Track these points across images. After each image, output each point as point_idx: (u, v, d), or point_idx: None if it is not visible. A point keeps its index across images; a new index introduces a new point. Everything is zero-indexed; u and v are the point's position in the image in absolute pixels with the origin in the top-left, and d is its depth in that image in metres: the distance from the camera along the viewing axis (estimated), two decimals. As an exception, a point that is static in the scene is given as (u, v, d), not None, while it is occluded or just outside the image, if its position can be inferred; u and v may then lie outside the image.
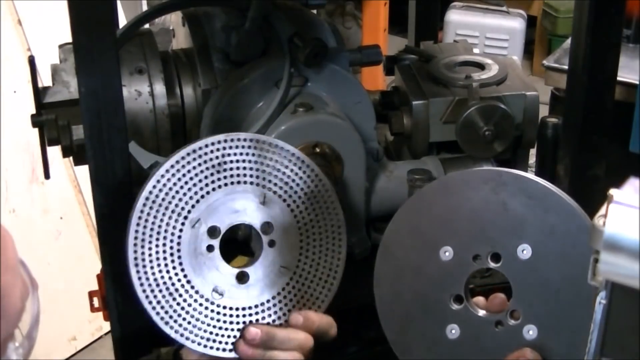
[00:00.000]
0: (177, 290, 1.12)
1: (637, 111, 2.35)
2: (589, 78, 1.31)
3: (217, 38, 1.42)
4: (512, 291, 1.06)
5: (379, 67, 1.65)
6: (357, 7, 4.36)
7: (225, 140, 1.12)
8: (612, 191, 0.76)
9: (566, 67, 1.54)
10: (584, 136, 1.35)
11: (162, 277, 1.11)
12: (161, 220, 1.10)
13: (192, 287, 1.12)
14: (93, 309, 1.46)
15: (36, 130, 1.35)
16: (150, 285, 1.11)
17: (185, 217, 1.11)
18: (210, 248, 1.12)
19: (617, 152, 2.11)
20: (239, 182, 1.12)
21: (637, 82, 2.37)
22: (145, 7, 3.42)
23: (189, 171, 1.11)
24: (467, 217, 1.06)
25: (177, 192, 1.11)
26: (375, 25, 3.94)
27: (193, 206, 1.11)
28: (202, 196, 1.11)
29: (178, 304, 1.12)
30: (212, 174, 1.11)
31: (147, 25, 1.49)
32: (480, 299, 1.09)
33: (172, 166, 1.11)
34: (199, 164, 1.11)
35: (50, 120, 1.32)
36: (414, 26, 1.87)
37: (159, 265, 1.11)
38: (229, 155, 1.12)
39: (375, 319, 1.21)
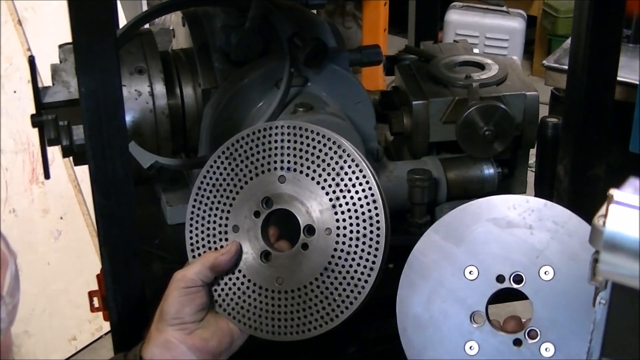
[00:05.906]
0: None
1: (637, 111, 2.35)
2: (589, 78, 1.30)
3: (217, 38, 1.42)
4: (533, 311, 1.07)
5: (379, 67, 1.65)
6: (357, 7, 4.36)
7: (340, 146, 1.10)
8: (612, 191, 0.76)
9: (566, 67, 1.54)
10: (584, 136, 1.35)
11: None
12: (229, 173, 1.13)
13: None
14: (93, 309, 1.46)
15: (36, 130, 1.35)
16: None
17: (252, 178, 1.12)
18: (257, 214, 1.13)
19: (617, 152, 2.11)
20: (318, 183, 1.10)
21: (637, 82, 2.37)
22: (145, 7, 3.42)
23: (295, 135, 1.11)
24: (494, 239, 1.08)
25: (265, 149, 1.12)
26: (375, 25, 3.94)
27: (269, 170, 1.12)
28: (282, 168, 1.11)
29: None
30: (306, 152, 1.10)
31: (147, 25, 1.49)
32: (495, 321, 1.11)
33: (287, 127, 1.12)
34: (314, 140, 1.10)
35: (50, 120, 1.32)
36: (414, 26, 1.87)
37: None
38: (340, 158, 1.09)
39: (375, 319, 1.21)
